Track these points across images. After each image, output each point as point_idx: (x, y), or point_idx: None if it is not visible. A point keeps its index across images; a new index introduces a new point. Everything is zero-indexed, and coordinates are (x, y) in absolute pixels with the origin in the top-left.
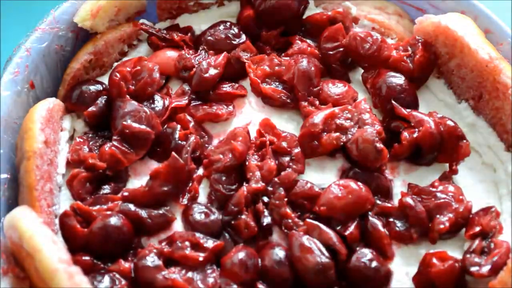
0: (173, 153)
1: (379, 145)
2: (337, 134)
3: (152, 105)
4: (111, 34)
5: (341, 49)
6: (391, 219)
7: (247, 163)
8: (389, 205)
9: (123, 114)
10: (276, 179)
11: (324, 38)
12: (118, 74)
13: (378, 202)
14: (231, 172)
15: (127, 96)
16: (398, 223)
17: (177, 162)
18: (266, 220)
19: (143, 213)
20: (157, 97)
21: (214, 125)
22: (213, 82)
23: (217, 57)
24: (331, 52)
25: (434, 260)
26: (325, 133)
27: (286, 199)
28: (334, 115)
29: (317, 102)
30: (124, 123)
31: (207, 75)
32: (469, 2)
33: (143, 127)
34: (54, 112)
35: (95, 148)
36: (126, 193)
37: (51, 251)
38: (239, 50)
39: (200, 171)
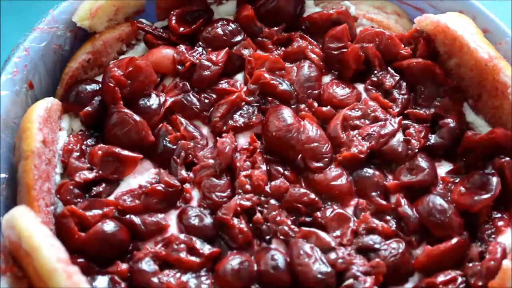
0: (167, 179)
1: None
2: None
3: (148, 103)
4: (109, 33)
5: (345, 50)
6: (387, 217)
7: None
8: (384, 202)
9: (114, 124)
10: (268, 189)
11: (329, 37)
12: (112, 80)
13: (377, 199)
14: (221, 177)
15: (121, 102)
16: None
17: (173, 186)
18: (267, 236)
19: (137, 220)
20: (152, 95)
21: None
22: (213, 79)
23: (218, 53)
24: (335, 52)
25: None
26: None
27: (280, 209)
28: (347, 118)
29: (315, 104)
30: (113, 149)
31: (207, 72)
32: (468, 1)
33: (127, 152)
34: (52, 112)
35: (87, 147)
36: (120, 204)
37: (49, 250)
38: (241, 47)
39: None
